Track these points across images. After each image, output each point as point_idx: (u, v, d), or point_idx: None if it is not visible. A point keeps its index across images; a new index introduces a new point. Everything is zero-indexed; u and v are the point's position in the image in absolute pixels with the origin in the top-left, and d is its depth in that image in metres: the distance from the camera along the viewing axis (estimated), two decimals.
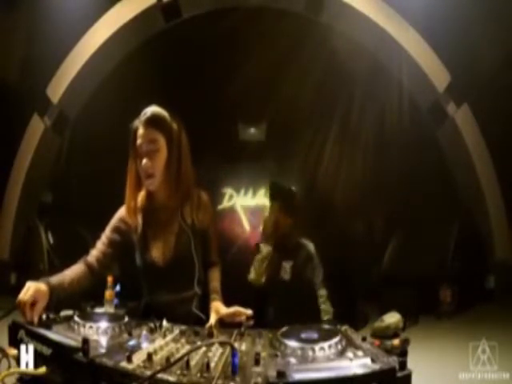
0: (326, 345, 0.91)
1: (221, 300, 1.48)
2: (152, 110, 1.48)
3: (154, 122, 1.46)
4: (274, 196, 2.57)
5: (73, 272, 1.41)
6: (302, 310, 2.18)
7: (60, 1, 3.30)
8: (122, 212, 1.55)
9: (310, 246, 2.52)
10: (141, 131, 1.45)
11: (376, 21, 3.31)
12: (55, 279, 1.31)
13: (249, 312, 1.33)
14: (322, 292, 2.49)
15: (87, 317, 1.14)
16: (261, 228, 2.64)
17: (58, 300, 1.29)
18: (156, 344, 0.98)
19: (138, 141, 1.46)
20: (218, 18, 3.37)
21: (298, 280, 2.38)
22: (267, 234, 2.54)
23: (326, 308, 2.44)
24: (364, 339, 1.00)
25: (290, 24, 3.37)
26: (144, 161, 1.44)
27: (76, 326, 1.09)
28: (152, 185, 1.48)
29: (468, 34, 3.15)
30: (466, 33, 3.14)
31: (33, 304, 1.16)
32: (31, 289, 1.18)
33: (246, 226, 3.91)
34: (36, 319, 1.13)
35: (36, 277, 1.26)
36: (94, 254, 1.50)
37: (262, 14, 3.39)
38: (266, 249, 2.51)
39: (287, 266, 2.39)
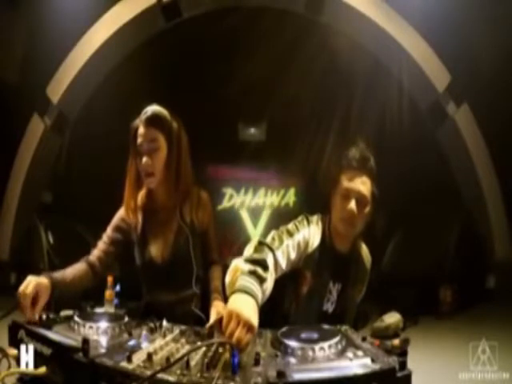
0: (326, 345, 0.91)
1: (222, 299, 1.47)
2: (152, 109, 1.49)
3: (154, 121, 1.46)
4: (363, 161, 1.44)
5: (75, 269, 1.41)
6: None
7: (60, 1, 3.30)
8: (123, 211, 1.55)
9: (365, 251, 1.60)
10: (141, 130, 1.46)
11: (376, 21, 3.31)
12: (57, 274, 1.31)
13: None
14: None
15: (87, 317, 1.14)
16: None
17: (60, 296, 1.28)
18: (156, 344, 0.98)
19: (139, 140, 1.46)
20: (218, 18, 3.37)
21: (342, 311, 1.46)
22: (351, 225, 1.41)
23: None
24: (364, 339, 0.99)
25: (290, 24, 3.37)
26: (144, 159, 1.44)
27: (76, 326, 1.09)
28: (152, 183, 1.48)
29: (468, 34, 3.15)
30: (466, 33, 3.14)
31: (34, 300, 1.15)
32: (32, 282, 1.16)
33: (247, 226, 3.92)
34: (37, 315, 1.13)
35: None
36: (95, 254, 1.50)
37: (262, 13, 3.39)
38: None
39: (334, 289, 1.44)
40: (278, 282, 1.21)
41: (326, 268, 1.42)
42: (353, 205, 1.37)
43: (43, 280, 1.21)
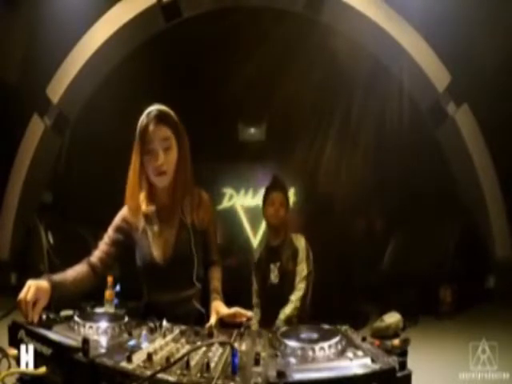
0: (325, 345, 0.90)
1: (221, 300, 1.47)
2: (158, 107, 1.47)
3: (164, 119, 1.45)
4: (277, 186, 2.45)
5: (75, 271, 1.40)
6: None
7: (60, 1, 3.30)
8: (124, 211, 1.55)
9: (299, 240, 2.37)
10: (152, 128, 1.42)
11: (376, 21, 3.31)
12: (57, 277, 1.30)
13: (249, 313, 1.33)
14: (295, 295, 2.21)
15: (87, 317, 1.14)
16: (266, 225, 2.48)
17: (60, 298, 1.28)
18: (156, 344, 0.98)
19: (149, 138, 1.43)
20: (218, 18, 3.37)
21: (285, 281, 2.28)
22: (274, 228, 2.39)
23: (287, 312, 2.17)
24: (364, 339, 0.99)
25: (290, 24, 3.37)
26: (160, 158, 1.42)
27: (76, 326, 1.09)
28: (164, 181, 1.47)
29: (468, 34, 3.15)
30: (465, 33, 3.14)
31: (34, 303, 1.15)
32: (32, 288, 1.16)
33: (246, 225, 3.91)
34: (36, 318, 1.12)
35: (36, 277, 1.25)
36: (96, 255, 1.49)
37: (262, 13, 3.39)
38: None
39: (275, 268, 2.31)
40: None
41: (266, 256, 2.38)
42: (277, 206, 2.35)
43: (43, 284, 1.20)
